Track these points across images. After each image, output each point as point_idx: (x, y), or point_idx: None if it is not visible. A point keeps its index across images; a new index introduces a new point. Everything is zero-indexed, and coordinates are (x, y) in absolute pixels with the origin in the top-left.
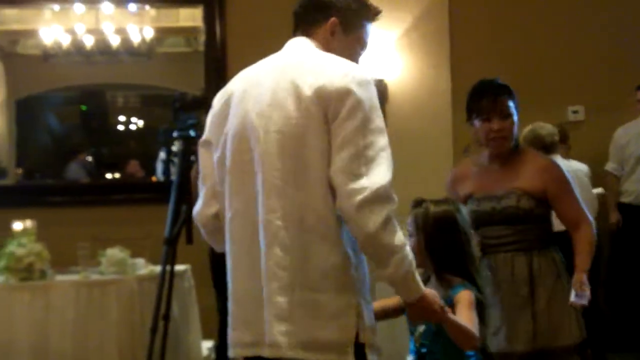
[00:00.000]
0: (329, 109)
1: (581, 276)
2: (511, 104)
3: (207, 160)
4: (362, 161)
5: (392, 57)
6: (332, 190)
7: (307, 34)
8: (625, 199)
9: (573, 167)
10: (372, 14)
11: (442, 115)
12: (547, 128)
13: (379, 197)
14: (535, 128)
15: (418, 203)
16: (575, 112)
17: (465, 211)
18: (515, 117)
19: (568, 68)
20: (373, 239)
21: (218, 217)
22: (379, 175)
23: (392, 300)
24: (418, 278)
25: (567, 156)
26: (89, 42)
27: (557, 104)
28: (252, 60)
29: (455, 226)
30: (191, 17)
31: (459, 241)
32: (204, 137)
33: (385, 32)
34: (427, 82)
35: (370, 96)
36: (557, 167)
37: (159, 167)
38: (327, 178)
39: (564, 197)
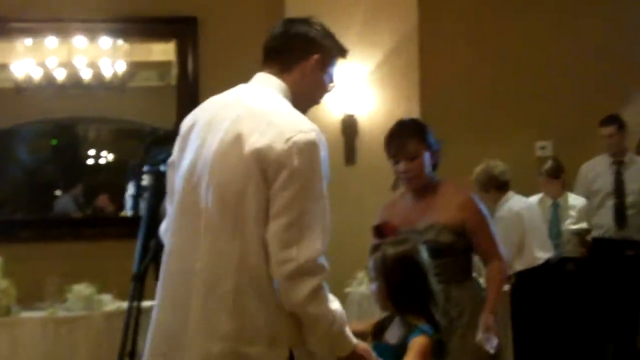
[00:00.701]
0: (267, 172)
1: (488, 318)
2: (421, 143)
3: (172, 181)
4: (294, 230)
5: (364, 91)
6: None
7: (284, 69)
8: (595, 233)
9: (527, 204)
10: (343, 51)
11: None
12: (499, 167)
13: (307, 270)
14: (488, 168)
15: (376, 247)
16: (542, 147)
17: (423, 248)
18: (426, 156)
19: (536, 104)
20: (299, 309)
21: None
22: (309, 247)
23: (361, 324)
24: (348, 334)
25: (563, 190)
26: (61, 75)
27: (525, 140)
28: None
29: (414, 266)
30: (164, 51)
31: (418, 281)
32: (171, 157)
33: (357, 67)
34: (398, 116)
35: (310, 161)
36: (476, 202)
37: (129, 201)
38: (263, 237)
39: (480, 232)
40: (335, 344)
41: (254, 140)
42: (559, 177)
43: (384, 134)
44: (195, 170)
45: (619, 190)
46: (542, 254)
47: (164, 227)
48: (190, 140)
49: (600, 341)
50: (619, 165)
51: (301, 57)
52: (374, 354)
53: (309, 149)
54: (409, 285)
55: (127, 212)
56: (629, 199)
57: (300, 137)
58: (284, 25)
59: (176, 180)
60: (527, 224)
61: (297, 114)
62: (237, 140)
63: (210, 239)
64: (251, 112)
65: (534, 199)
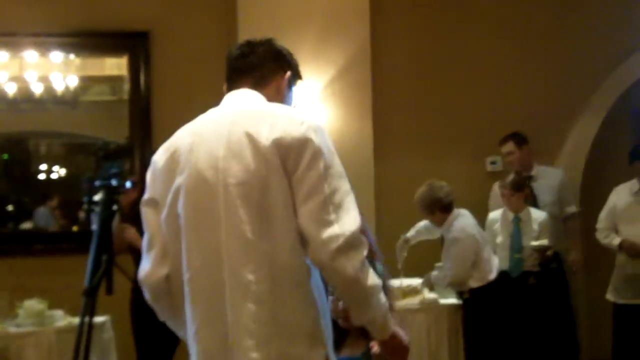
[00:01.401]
0: (288, 160)
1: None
2: None
3: (153, 220)
4: (330, 209)
5: (317, 107)
6: (300, 240)
7: (258, 83)
8: None
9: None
10: (300, 74)
11: (365, 164)
12: (444, 189)
13: (353, 242)
14: (433, 190)
15: None
16: (493, 162)
17: (379, 265)
18: None
19: (487, 120)
20: (354, 284)
21: (169, 280)
22: (349, 221)
23: None
24: (390, 316)
25: (524, 204)
26: (12, 90)
27: (475, 155)
28: (176, 109)
29: None
30: (117, 66)
31: None
32: (148, 195)
33: (310, 83)
34: (350, 131)
35: (327, 142)
36: None
37: (88, 216)
38: (293, 229)
39: None
40: (385, 320)
41: (268, 133)
42: (522, 190)
43: (336, 149)
44: (200, 187)
45: (533, 204)
46: (495, 269)
47: (146, 269)
48: (179, 166)
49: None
50: (528, 180)
51: (276, 71)
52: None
53: (321, 130)
54: None
55: (94, 226)
56: (545, 211)
57: (311, 120)
58: (252, 44)
59: (178, 209)
60: (480, 242)
61: (291, 108)
62: (247, 138)
63: (237, 245)
64: (248, 113)
65: (496, 213)
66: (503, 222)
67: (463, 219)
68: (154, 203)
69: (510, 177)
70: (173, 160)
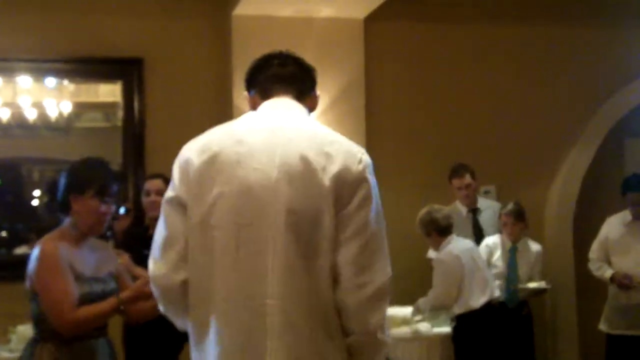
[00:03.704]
0: (342, 194)
1: None
2: None
3: (176, 220)
4: (368, 253)
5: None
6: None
7: (299, 97)
8: None
9: (467, 247)
10: None
11: None
12: (442, 212)
13: (382, 293)
14: (431, 211)
15: None
16: (487, 191)
17: None
18: None
19: (480, 149)
20: (371, 335)
21: (185, 285)
22: (382, 270)
23: None
24: None
25: (524, 234)
26: (5, 115)
27: None
28: (170, 136)
29: None
30: (111, 92)
31: None
32: (174, 193)
33: None
34: None
35: (375, 182)
36: None
37: None
38: (330, 265)
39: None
40: None
41: (326, 166)
42: (522, 219)
43: None
44: (248, 204)
45: (479, 236)
46: (481, 298)
47: (162, 270)
48: (220, 174)
49: None
50: (474, 213)
51: (312, 89)
52: None
53: (372, 169)
54: None
55: None
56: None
57: (366, 157)
58: (288, 56)
59: (215, 220)
60: (466, 266)
61: (345, 138)
62: (303, 164)
63: (281, 273)
64: (302, 133)
65: (492, 239)
66: (501, 250)
67: (456, 243)
68: (180, 203)
69: (511, 206)
70: (214, 166)
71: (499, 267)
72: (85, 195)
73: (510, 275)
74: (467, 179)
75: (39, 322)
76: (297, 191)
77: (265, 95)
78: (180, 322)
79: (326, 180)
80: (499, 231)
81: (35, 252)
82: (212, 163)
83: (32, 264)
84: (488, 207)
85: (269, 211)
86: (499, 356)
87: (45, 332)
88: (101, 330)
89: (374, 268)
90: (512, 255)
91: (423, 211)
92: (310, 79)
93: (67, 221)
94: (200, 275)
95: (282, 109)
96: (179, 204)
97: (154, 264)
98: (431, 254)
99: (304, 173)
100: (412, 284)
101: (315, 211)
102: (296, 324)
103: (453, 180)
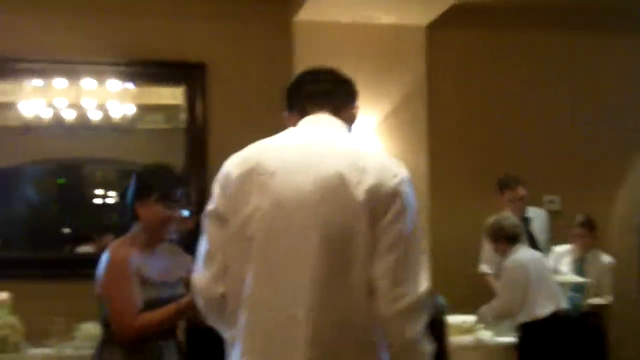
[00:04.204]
0: (377, 209)
1: None
2: None
3: (215, 234)
4: (406, 266)
5: (372, 142)
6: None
7: (335, 112)
8: None
9: (535, 256)
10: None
11: (420, 199)
12: (510, 220)
13: (421, 305)
14: (499, 220)
15: None
16: (551, 201)
17: (440, 299)
18: None
19: (546, 158)
20: (411, 346)
21: (224, 298)
22: (421, 282)
23: None
24: None
25: (593, 245)
26: (69, 116)
27: (533, 193)
28: (233, 139)
29: None
30: (172, 95)
31: None
32: (214, 206)
33: (366, 118)
34: (406, 167)
35: (413, 198)
36: None
37: None
38: (367, 280)
39: None
40: None
41: (363, 180)
42: (593, 231)
43: None
44: (283, 219)
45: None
46: (548, 307)
47: (205, 280)
48: (258, 188)
49: None
50: (525, 222)
51: (348, 101)
52: None
53: (410, 185)
54: None
55: None
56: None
57: (404, 173)
58: (328, 71)
59: (252, 232)
60: (532, 275)
61: (381, 150)
62: (338, 179)
63: (313, 287)
64: (338, 149)
65: (562, 248)
66: (571, 260)
67: (524, 252)
68: (220, 216)
69: (582, 217)
70: (251, 179)
71: (564, 275)
72: (149, 201)
73: (575, 286)
74: (521, 191)
75: (107, 325)
76: (331, 205)
77: (303, 113)
78: (224, 332)
79: (360, 194)
80: (550, 238)
81: (105, 258)
82: (249, 176)
83: (101, 269)
84: (537, 216)
85: (303, 225)
86: None
87: (114, 334)
88: (170, 333)
89: (411, 281)
90: (579, 266)
91: (492, 219)
92: (346, 92)
93: (137, 227)
94: (235, 285)
95: (318, 125)
96: (218, 218)
97: (197, 276)
98: (484, 268)
99: (338, 187)
100: (471, 291)
101: (348, 225)
102: (324, 337)
103: (506, 192)
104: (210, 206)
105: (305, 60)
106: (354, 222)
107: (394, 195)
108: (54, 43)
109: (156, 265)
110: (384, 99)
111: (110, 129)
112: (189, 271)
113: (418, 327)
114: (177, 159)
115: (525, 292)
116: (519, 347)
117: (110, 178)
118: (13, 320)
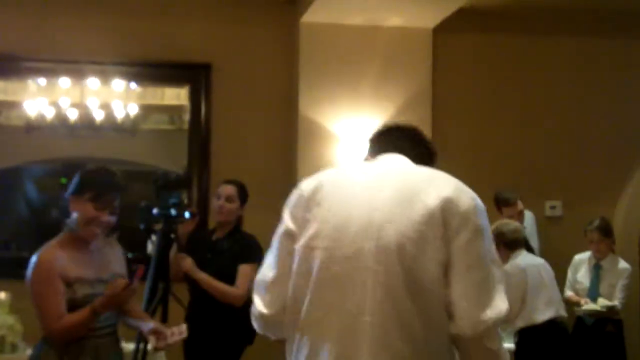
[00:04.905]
0: (451, 223)
1: None
2: None
3: (286, 259)
4: (489, 287)
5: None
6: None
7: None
8: None
9: (535, 262)
10: None
11: None
12: (510, 226)
13: (496, 326)
14: (499, 225)
15: None
16: (553, 207)
17: None
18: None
19: (547, 164)
20: (495, 357)
21: (282, 323)
22: (502, 302)
23: None
24: None
25: (610, 249)
26: (73, 116)
27: (535, 199)
28: (236, 140)
29: None
30: (176, 95)
31: None
32: (285, 225)
33: (369, 121)
34: None
35: (488, 226)
36: None
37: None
38: (442, 298)
39: None
40: None
41: (438, 193)
42: (610, 235)
43: None
44: (350, 229)
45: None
46: (546, 313)
47: (261, 309)
48: (321, 199)
49: None
50: None
51: (424, 160)
52: None
53: (485, 213)
54: None
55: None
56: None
57: (479, 200)
58: (402, 127)
59: (312, 241)
60: (531, 280)
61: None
62: (411, 194)
63: (382, 295)
64: (416, 171)
65: (581, 255)
66: (588, 266)
67: (524, 258)
68: (290, 235)
69: (597, 221)
70: (320, 194)
71: (582, 283)
72: (82, 198)
73: (590, 293)
74: (520, 205)
75: None
76: (401, 219)
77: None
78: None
79: (436, 205)
80: (539, 238)
81: (32, 260)
82: (319, 192)
83: (28, 272)
84: (527, 219)
85: (374, 236)
86: None
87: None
88: (107, 329)
89: (495, 302)
90: (595, 272)
91: (493, 225)
92: (426, 157)
93: (72, 222)
94: (297, 294)
95: (394, 159)
96: (289, 236)
97: (260, 300)
98: None
99: (411, 201)
100: None
101: (419, 236)
102: (392, 344)
103: (504, 209)
104: (282, 226)
105: (310, 61)
106: (426, 232)
107: (471, 211)
108: (58, 42)
109: (89, 261)
110: (388, 102)
111: (113, 128)
112: (123, 267)
113: (498, 341)
114: (180, 159)
115: (524, 297)
116: (516, 354)
117: None
118: (11, 320)
